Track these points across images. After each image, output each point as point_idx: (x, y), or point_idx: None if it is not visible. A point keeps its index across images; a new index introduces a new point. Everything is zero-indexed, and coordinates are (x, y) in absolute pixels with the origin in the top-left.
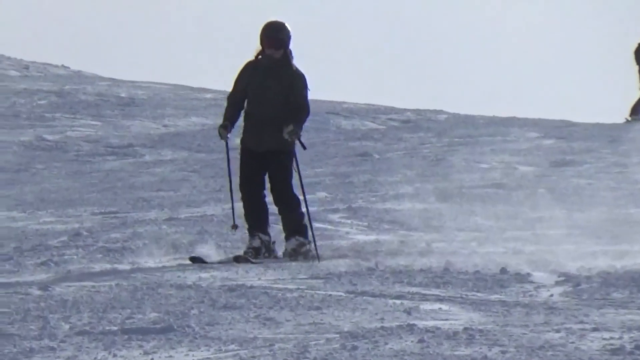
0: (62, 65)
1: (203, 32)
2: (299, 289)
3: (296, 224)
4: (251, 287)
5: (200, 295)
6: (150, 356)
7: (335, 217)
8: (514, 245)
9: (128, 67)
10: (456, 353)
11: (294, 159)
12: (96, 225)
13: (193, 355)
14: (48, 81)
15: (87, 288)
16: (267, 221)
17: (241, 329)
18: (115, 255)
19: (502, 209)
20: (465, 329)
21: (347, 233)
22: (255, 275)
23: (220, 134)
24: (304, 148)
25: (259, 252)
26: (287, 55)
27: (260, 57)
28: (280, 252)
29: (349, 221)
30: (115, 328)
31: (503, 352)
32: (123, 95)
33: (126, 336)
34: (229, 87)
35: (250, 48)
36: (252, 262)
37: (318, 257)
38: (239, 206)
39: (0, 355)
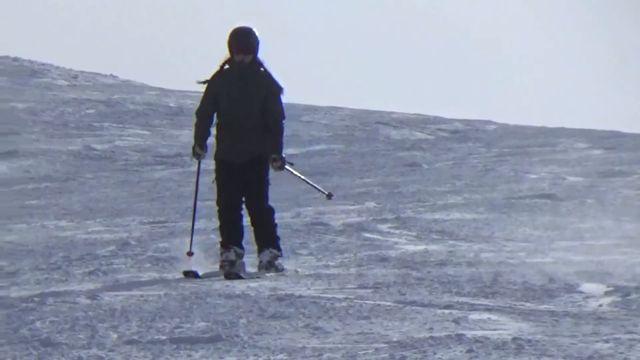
0: (111, 75)
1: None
2: (347, 298)
3: (270, 236)
4: (300, 296)
5: (248, 305)
6: None
7: (384, 227)
8: (562, 256)
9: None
10: None
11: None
12: (144, 235)
13: None
14: (97, 90)
15: (135, 297)
16: (243, 235)
17: (290, 338)
18: (164, 265)
19: (551, 219)
20: (514, 339)
21: (396, 243)
22: (304, 285)
23: (197, 155)
24: (292, 164)
25: (234, 265)
26: (257, 60)
27: (227, 66)
28: (246, 267)
29: (397, 231)
30: (163, 337)
31: None
32: (172, 104)
33: (174, 345)
34: None
35: (294, 59)
36: (243, 277)
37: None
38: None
39: None
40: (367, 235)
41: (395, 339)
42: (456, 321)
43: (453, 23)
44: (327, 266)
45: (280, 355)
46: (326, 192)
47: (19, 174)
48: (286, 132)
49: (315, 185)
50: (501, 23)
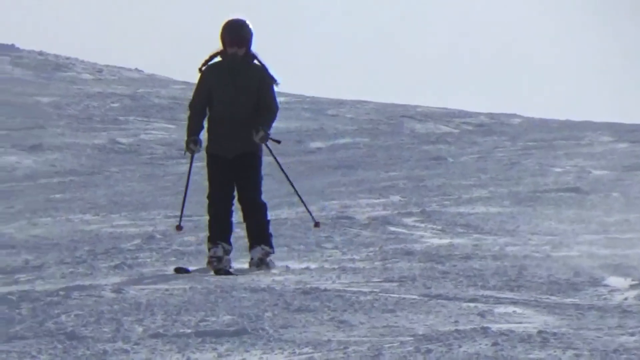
0: (136, 69)
1: (276, 36)
2: (372, 292)
3: (262, 233)
4: (325, 290)
5: (274, 298)
6: (223, 359)
7: (409, 220)
8: (587, 249)
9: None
10: (530, 356)
11: (263, 163)
12: (170, 229)
13: (267, 358)
14: (122, 84)
15: (160, 291)
16: (232, 231)
17: (315, 331)
18: (189, 258)
19: (576, 212)
20: (540, 332)
21: (421, 237)
22: (330, 279)
23: (190, 150)
24: (279, 142)
25: (222, 261)
26: (251, 53)
27: (219, 58)
28: (233, 264)
29: (422, 225)
30: (189, 331)
31: (577, 356)
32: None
33: (200, 339)
34: (303, 90)
35: (320, 51)
36: (232, 274)
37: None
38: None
39: (74, 357)
40: (392, 228)
41: (420, 332)
42: (481, 314)
43: (478, 16)
44: (352, 260)
45: (306, 349)
46: (315, 220)
47: (44, 167)
48: (312, 126)
49: (307, 207)
50: (527, 16)
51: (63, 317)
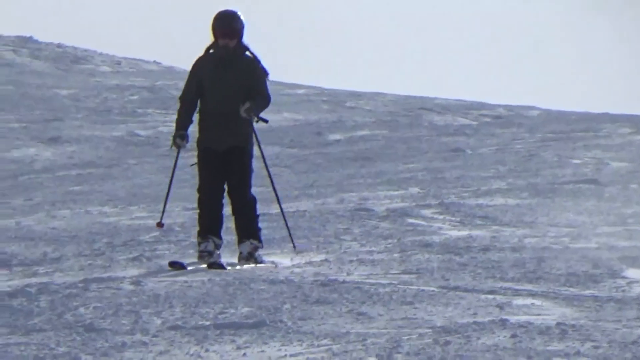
0: (154, 61)
1: (295, 29)
2: (391, 284)
3: (251, 227)
4: (343, 282)
5: (292, 290)
6: (242, 351)
7: (427, 212)
8: (606, 241)
9: None
10: (549, 348)
11: (254, 157)
12: (188, 221)
13: (285, 350)
14: (140, 77)
15: (179, 283)
16: (222, 225)
17: (334, 323)
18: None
19: (595, 204)
20: (558, 324)
21: (440, 228)
22: (348, 271)
23: (176, 144)
24: (266, 121)
25: (212, 255)
26: (242, 44)
27: (212, 50)
28: (222, 258)
29: (441, 217)
30: (207, 323)
31: (596, 347)
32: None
33: (218, 331)
34: (321, 83)
35: (338, 44)
36: (225, 269)
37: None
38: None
39: (92, 349)
40: (411, 220)
41: (439, 324)
42: (500, 306)
43: (497, 8)
44: (370, 252)
45: (324, 341)
46: (295, 245)
47: (62, 160)
48: (330, 118)
49: (290, 232)
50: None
51: (81, 310)
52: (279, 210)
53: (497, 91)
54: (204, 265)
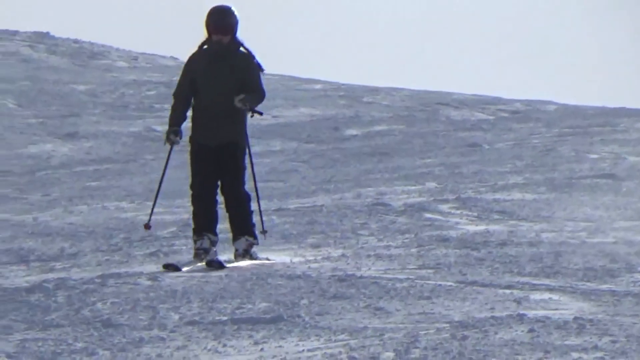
0: (171, 57)
1: (312, 23)
2: (408, 279)
3: (246, 223)
4: (361, 277)
5: (310, 285)
6: (260, 346)
7: (444, 207)
8: (623, 235)
9: None
10: (566, 343)
11: (247, 154)
12: None
13: (303, 345)
14: (156, 72)
15: (196, 278)
16: (217, 221)
17: (351, 318)
18: (225, 246)
19: (612, 199)
20: (576, 318)
21: (457, 223)
22: (365, 266)
23: (170, 140)
24: (260, 114)
25: (208, 253)
26: (237, 40)
27: (205, 46)
28: (218, 255)
29: (458, 211)
30: (225, 318)
31: (613, 342)
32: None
33: (236, 326)
34: (338, 78)
35: (355, 38)
36: (224, 266)
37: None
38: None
39: (110, 345)
40: (428, 215)
41: (456, 319)
42: (517, 301)
43: (513, 4)
44: (388, 247)
45: (342, 336)
46: (264, 229)
47: (79, 155)
48: (347, 113)
49: (262, 217)
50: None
51: (99, 305)
52: (296, 206)
53: (514, 86)
54: (201, 264)
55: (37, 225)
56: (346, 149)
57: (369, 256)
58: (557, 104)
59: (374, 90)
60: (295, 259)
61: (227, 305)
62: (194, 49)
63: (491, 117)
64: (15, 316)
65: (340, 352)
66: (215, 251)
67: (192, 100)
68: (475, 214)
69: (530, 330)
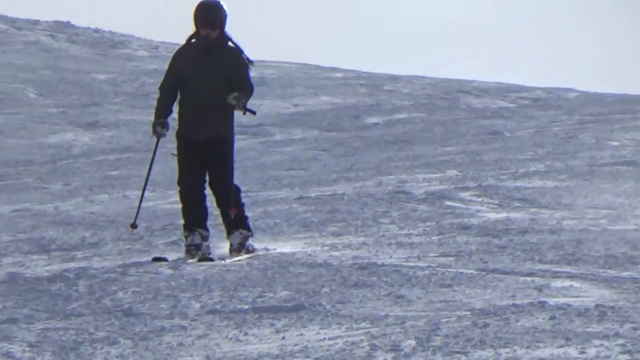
0: None
1: (333, 11)
2: (429, 266)
3: (238, 217)
4: (382, 265)
5: (331, 274)
6: (281, 334)
7: (465, 195)
8: None
9: (257, 46)
10: (588, 330)
11: (235, 148)
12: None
13: (324, 334)
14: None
15: (217, 267)
16: (207, 216)
17: (372, 306)
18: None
19: (633, 186)
20: (597, 305)
21: (478, 211)
22: (386, 254)
23: (157, 133)
24: (254, 113)
25: (200, 248)
26: (225, 35)
27: (193, 40)
28: (211, 251)
29: (479, 199)
30: (246, 307)
31: (635, 329)
32: (253, 74)
33: (257, 315)
34: (359, 66)
35: (375, 27)
36: (214, 261)
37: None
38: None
39: (131, 334)
40: (449, 203)
41: (477, 307)
42: (539, 289)
43: None
44: (409, 235)
45: (363, 324)
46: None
47: (100, 145)
48: (368, 101)
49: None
50: None
51: (120, 294)
52: (317, 194)
53: (535, 74)
54: (192, 261)
55: (58, 215)
56: (367, 137)
57: (390, 244)
58: (578, 92)
59: (395, 78)
60: (292, 249)
61: (248, 294)
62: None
63: (512, 105)
64: (36, 305)
65: (361, 340)
66: (208, 246)
67: (178, 95)
68: (497, 201)
69: (552, 318)
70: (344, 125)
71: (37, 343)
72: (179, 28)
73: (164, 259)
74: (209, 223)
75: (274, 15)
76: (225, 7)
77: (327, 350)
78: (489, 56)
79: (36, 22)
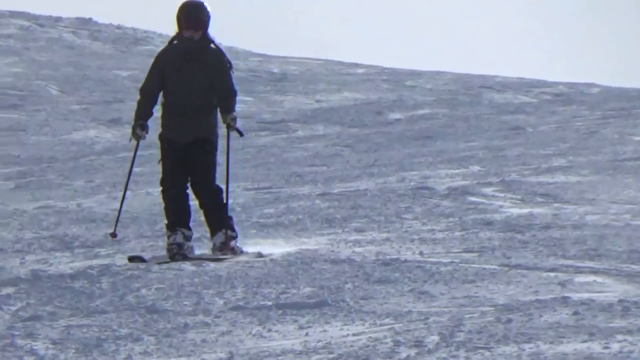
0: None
1: (355, 7)
2: (452, 262)
3: (221, 217)
4: (405, 261)
5: (354, 270)
6: (304, 331)
7: (488, 190)
8: None
9: (279, 42)
10: (611, 325)
11: (217, 150)
12: (249, 201)
13: (348, 330)
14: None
15: (240, 263)
16: (190, 216)
17: (396, 302)
18: (269, 231)
19: None
20: (620, 301)
21: (501, 206)
22: (409, 249)
23: (136, 135)
24: (242, 135)
25: (182, 248)
26: (208, 36)
27: (175, 41)
28: (196, 251)
29: (502, 194)
30: (269, 303)
31: None
32: (275, 70)
33: (280, 311)
34: (381, 62)
35: (397, 22)
36: (191, 258)
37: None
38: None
39: (154, 331)
40: (472, 199)
41: (501, 302)
42: (562, 284)
43: None
44: (432, 230)
45: (387, 320)
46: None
47: (123, 141)
48: (391, 97)
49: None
50: None
51: (143, 291)
52: (340, 190)
53: (557, 68)
54: (173, 261)
55: (81, 212)
56: (390, 133)
57: (413, 240)
58: (601, 86)
59: (417, 74)
60: (315, 245)
61: (271, 290)
62: (239, 34)
63: (534, 100)
64: (59, 303)
65: (385, 336)
66: (191, 246)
67: (160, 98)
68: (519, 197)
69: (575, 313)
70: (366, 121)
71: (61, 340)
72: None
73: (141, 258)
74: (192, 224)
75: (296, 12)
76: (208, 8)
77: (351, 346)
78: (511, 51)
79: (58, 19)
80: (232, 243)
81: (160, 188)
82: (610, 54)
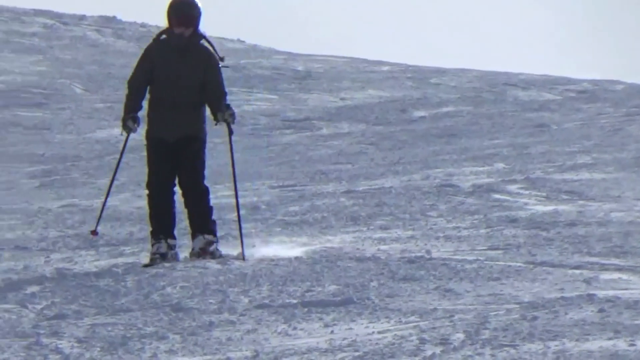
0: (238, 40)
1: (380, 6)
2: (478, 260)
3: (204, 220)
4: (430, 258)
5: (379, 268)
6: (330, 328)
7: (513, 187)
8: None
9: (304, 40)
10: (636, 322)
11: (207, 148)
12: (274, 199)
13: (373, 327)
14: (224, 55)
15: (266, 261)
16: (175, 223)
17: (421, 300)
18: (294, 229)
19: None
20: None
21: (526, 204)
22: (435, 247)
23: (127, 128)
24: (231, 132)
25: (165, 257)
26: (198, 32)
27: (165, 37)
28: (181, 255)
29: (527, 192)
30: (294, 301)
31: None
32: (299, 68)
33: (306, 309)
34: (406, 59)
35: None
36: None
37: (244, 257)
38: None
39: (180, 329)
40: (497, 196)
41: (526, 300)
42: (587, 281)
43: None
44: (457, 228)
45: (412, 317)
46: (244, 255)
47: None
48: (415, 95)
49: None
50: None
51: (168, 289)
52: (365, 187)
53: (581, 66)
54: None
55: (105, 210)
56: (414, 131)
57: (437, 237)
58: (625, 84)
59: (442, 72)
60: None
61: (296, 288)
62: (263, 31)
63: (559, 97)
64: (84, 301)
65: (410, 334)
66: (176, 253)
67: (148, 94)
68: (544, 194)
69: (600, 310)
70: (390, 119)
71: (86, 339)
72: (224, 21)
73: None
74: (176, 230)
75: (320, 10)
76: (199, 5)
77: (376, 344)
78: (536, 48)
79: (82, 17)
80: (211, 248)
81: (146, 192)
82: (635, 51)
